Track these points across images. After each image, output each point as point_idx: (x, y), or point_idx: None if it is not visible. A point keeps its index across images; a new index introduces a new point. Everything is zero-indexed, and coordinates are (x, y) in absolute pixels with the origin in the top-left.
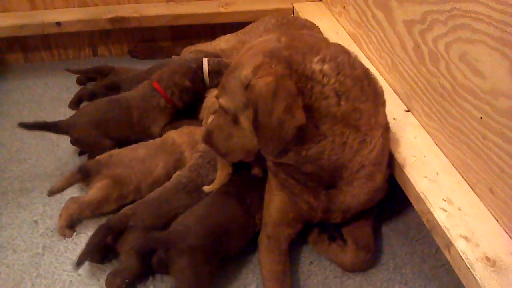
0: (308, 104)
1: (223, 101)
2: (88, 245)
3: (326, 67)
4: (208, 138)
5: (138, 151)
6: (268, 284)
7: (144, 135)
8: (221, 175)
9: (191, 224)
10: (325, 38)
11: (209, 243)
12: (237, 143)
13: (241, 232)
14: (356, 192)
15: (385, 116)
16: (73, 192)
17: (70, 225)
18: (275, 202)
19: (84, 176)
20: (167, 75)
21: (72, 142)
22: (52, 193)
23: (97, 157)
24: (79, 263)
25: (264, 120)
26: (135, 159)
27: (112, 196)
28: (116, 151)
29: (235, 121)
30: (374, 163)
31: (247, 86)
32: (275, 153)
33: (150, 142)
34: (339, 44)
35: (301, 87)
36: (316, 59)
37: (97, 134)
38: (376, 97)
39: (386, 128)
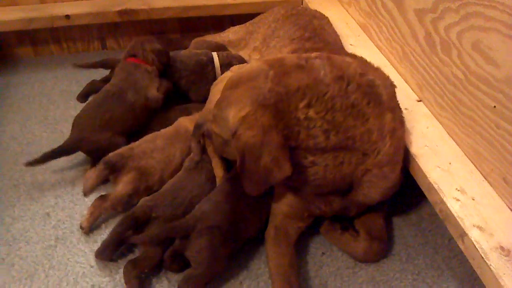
0: (295, 145)
1: (215, 128)
2: (112, 234)
3: (311, 112)
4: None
5: (156, 141)
6: (275, 278)
7: (147, 118)
8: (217, 179)
9: (208, 209)
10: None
11: (226, 225)
12: (231, 153)
13: (256, 217)
14: (367, 192)
15: (393, 118)
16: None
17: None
18: (287, 197)
19: (111, 170)
20: (138, 48)
21: (89, 154)
22: (86, 193)
23: (118, 151)
24: (100, 252)
25: (251, 167)
26: (156, 149)
27: (140, 189)
28: (135, 143)
29: (226, 144)
30: (383, 166)
31: (234, 134)
32: (258, 194)
33: (163, 131)
34: (336, 65)
35: (287, 133)
36: (301, 105)
37: (107, 137)
38: (380, 108)
39: (396, 129)
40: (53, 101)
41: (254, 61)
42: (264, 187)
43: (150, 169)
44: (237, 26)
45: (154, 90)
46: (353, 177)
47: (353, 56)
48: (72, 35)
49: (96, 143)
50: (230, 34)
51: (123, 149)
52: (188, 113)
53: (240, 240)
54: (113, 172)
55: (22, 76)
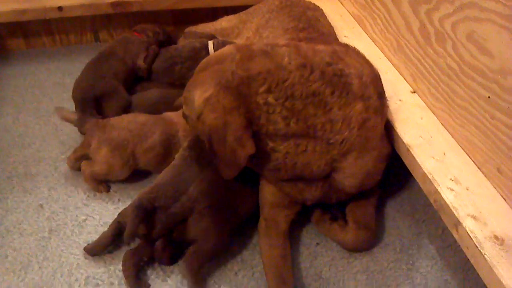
0: (256, 129)
1: (185, 110)
2: (130, 226)
3: (270, 98)
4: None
5: (139, 116)
6: (267, 270)
7: (134, 81)
8: None
9: (204, 189)
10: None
11: (224, 202)
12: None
13: (251, 195)
14: (341, 178)
15: (364, 109)
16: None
17: (99, 183)
18: (270, 186)
19: (78, 124)
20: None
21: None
22: (58, 111)
23: (96, 119)
24: (128, 242)
25: (219, 149)
26: (134, 122)
27: (116, 166)
28: (116, 117)
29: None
30: (353, 151)
31: (198, 116)
32: (232, 177)
33: (150, 115)
34: (302, 53)
35: (249, 116)
36: (261, 89)
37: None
38: (348, 98)
39: (367, 119)
40: (46, 93)
41: (226, 46)
42: (235, 169)
43: (123, 141)
44: (231, 15)
45: (141, 61)
46: (320, 167)
47: (345, 46)
48: (64, 27)
49: (100, 88)
50: (223, 22)
51: (102, 119)
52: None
53: (238, 215)
54: (80, 127)
55: (14, 69)
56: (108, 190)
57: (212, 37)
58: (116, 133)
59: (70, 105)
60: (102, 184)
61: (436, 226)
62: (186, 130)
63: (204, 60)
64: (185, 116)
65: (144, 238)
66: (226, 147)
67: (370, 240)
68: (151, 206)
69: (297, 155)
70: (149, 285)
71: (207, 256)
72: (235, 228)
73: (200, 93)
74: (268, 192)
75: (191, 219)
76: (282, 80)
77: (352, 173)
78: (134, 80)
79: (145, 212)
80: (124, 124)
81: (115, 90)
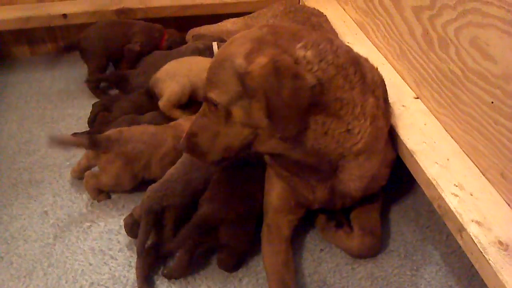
0: None
1: (213, 95)
2: (142, 233)
3: (309, 53)
4: (189, 143)
5: (149, 127)
6: (269, 277)
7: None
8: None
9: (223, 202)
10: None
11: (244, 210)
12: (221, 142)
13: (261, 189)
14: (347, 180)
15: (375, 105)
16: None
17: (99, 192)
18: (276, 189)
19: (91, 146)
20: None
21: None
22: (53, 140)
23: (108, 133)
24: (140, 253)
25: (277, 99)
26: (146, 132)
27: (125, 180)
28: (126, 128)
29: (227, 115)
30: (363, 152)
31: (243, 75)
32: (295, 131)
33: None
34: (322, 32)
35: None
36: (299, 45)
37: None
38: (364, 86)
39: (377, 117)
40: (50, 100)
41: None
42: (298, 119)
43: (136, 154)
44: (236, 18)
45: (135, 44)
46: (334, 160)
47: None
48: (69, 34)
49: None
50: (228, 24)
51: (112, 132)
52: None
53: (255, 214)
54: (94, 148)
55: (19, 75)
56: (109, 197)
57: (220, 39)
58: (131, 146)
59: (74, 112)
60: (103, 193)
61: (440, 232)
62: None
63: (222, 47)
64: (213, 106)
65: (155, 244)
66: (285, 93)
67: (375, 246)
68: (160, 208)
69: (320, 136)
70: None
71: (240, 257)
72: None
73: (238, 54)
74: (273, 197)
75: (223, 228)
76: (316, 43)
77: (358, 175)
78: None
79: (156, 216)
80: (138, 137)
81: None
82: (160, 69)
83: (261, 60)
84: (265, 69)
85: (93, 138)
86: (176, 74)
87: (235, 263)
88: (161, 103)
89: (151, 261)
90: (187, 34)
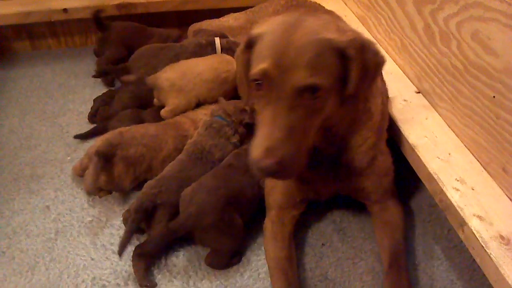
0: None
1: (318, 80)
2: (127, 232)
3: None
4: (278, 161)
5: (149, 127)
6: (272, 271)
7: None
8: None
9: (204, 201)
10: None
11: (225, 215)
12: (307, 138)
13: (251, 201)
14: (352, 155)
15: (383, 82)
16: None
17: (99, 189)
18: (280, 186)
19: (105, 160)
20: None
21: None
22: (90, 191)
23: (107, 137)
24: (121, 251)
25: (370, 64)
26: (147, 134)
27: (126, 182)
28: (126, 128)
29: (323, 101)
30: (376, 132)
31: (343, 48)
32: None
33: (157, 122)
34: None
35: None
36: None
37: None
38: (376, 85)
39: (386, 94)
40: (51, 95)
41: None
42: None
43: (139, 158)
44: (238, 12)
45: None
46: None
47: None
48: (70, 29)
49: None
50: (230, 20)
51: (112, 135)
52: None
53: (247, 208)
54: (108, 161)
55: (20, 70)
56: (110, 193)
57: (223, 35)
58: (133, 150)
59: (75, 106)
60: (103, 190)
61: (442, 226)
62: (195, 124)
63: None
64: (307, 97)
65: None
66: (373, 60)
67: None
68: (152, 205)
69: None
70: (156, 284)
71: (227, 256)
72: (249, 217)
73: (328, 33)
74: (278, 192)
75: (200, 233)
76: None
77: (362, 149)
78: None
79: (145, 214)
80: (139, 140)
81: None
82: (163, 74)
83: (351, 32)
84: (359, 36)
85: (100, 154)
86: (182, 89)
87: (223, 262)
88: (164, 112)
89: (147, 258)
90: (188, 29)
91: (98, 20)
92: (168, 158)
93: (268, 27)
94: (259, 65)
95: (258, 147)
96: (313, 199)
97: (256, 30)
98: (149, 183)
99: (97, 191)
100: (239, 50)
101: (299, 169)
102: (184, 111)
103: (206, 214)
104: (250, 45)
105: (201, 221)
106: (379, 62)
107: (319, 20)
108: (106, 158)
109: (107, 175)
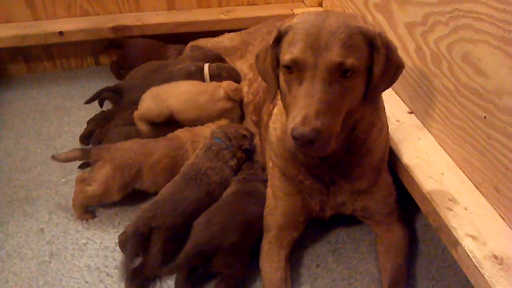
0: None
1: (353, 60)
2: (128, 256)
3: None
4: (314, 126)
5: (140, 140)
6: None
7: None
8: None
9: (226, 222)
10: None
11: (246, 238)
12: (339, 117)
13: (261, 230)
14: (359, 166)
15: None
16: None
17: (86, 211)
18: (283, 207)
19: (84, 157)
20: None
21: None
22: (55, 158)
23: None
24: (125, 275)
25: (393, 55)
26: (136, 142)
27: (113, 188)
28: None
29: (355, 82)
30: (385, 144)
31: (373, 37)
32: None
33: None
34: None
35: None
36: None
37: None
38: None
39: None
40: (47, 117)
41: None
42: None
43: (126, 161)
44: (233, 33)
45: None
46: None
47: None
48: (65, 52)
49: None
50: (225, 40)
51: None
52: None
53: (252, 243)
54: (86, 158)
55: (15, 93)
56: (95, 216)
57: (217, 56)
58: (119, 153)
59: (70, 129)
60: (88, 212)
61: (436, 246)
62: (194, 140)
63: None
64: (342, 75)
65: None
66: (394, 52)
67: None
68: (147, 229)
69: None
70: None
71: (237, 284)
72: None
73: (358, 21)
74: (279, 214)
75: (218, 256)
76: None
77: (367, 161)
78: None
79: (142, 238)
80: (127, 146)
81: None
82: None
83: (378, 27)
84: (385, 34)
85: (84, 150)
86: (157, 96)
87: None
88: (136, 112)
89: (140, 282)
90: (186, 47)
91: (113, 42)
92: (159, 164)
93: (297, 20)
94: (293, 48)
95: (296, 117)
96: (316, 218)
97: (285, 24)
98: (144, 207)
99: (82, 212)
100: (267, 46)
101: (331, 146)
102: (152, 119)
103: (230, 232)
104: (279, 39)
105: (225, 239)
106: (400, 65)
107: (346, 13)
108: (87, 155)
109: (96, 181)
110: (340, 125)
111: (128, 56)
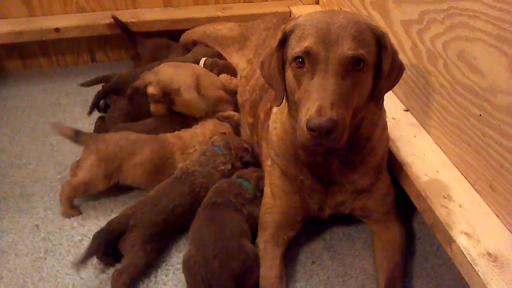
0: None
1: (363, 52)
2: (88, 249)
3: None
4: (330, 116)
5: (132, 135)
6: None
7: None
8: None
9: (228, 248)
10: None
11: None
12: (350, 109)
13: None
14: (359, 165)
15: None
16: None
17: (72, 206)
18: (281, 206)
19: (74, 138)
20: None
21: None
22: (55, 126)
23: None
24: (78, 265)
25: (398, 61)
26: (125, 138)
27: (99, 176)
28: (109, 133)
29: (366, 76)
30: (386, 144)
31: (381, 36)
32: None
33: (145, 134)
34: None
35: None
36: None
37: None
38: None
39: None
40: (42, 114)
41: None
42: None
43: (110, 154)
44: (233, 23)
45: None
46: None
47: None
48: (61, 48)
49: None
50: (224, 29)
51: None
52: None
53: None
54: (76, 140)
55: (11, 89)
56: (80, 213)
57: (216, 53)
58: (104, 145)
59: (66, 125)
60: (73, 209)
61: (431, 244)
62: (184, 151)
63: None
64: (354, 67)
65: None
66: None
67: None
68: (120, 227)
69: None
70: None
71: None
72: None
73: (366, 19)
74: (277, 213)
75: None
76: None
77: (368, 159)
78: None
79: (110, 234)
80: (115, 139)
81: None
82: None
83: (382, 28)
84: (389, 37)
85: (77, 132)
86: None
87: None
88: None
89: (126, 282)
90: (181, 36)
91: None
92: (140, 166)
93: (303, 18)
94: (302, 43)
95: (310, 108)
96: (314, 217)
97: (289, 24)
98: (127, 207)
99: (68, 206)
100: (271, 50)
101: (344, 138)
102: (166, 88)
103: (233, 259)
104: (284, 40)
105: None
106: (402, 67)
107: (352, 12)
108: (76, 137)
109: (81, 169)
110: (349, 118)
111: (141, 56)
